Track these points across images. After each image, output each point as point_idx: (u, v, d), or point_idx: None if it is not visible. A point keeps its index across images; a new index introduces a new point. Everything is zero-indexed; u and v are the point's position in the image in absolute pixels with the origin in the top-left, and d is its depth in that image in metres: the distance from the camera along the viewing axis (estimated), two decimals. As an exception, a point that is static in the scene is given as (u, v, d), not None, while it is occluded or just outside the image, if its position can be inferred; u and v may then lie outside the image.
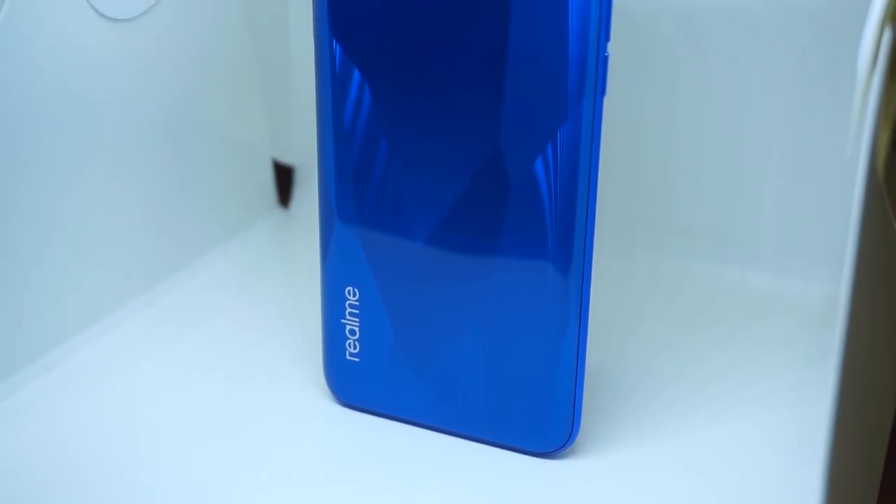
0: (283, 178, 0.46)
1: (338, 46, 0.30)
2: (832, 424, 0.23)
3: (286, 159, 0.46)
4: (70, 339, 0.36)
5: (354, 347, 0.33)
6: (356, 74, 0.30)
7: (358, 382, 0.33)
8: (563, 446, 0.32)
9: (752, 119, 0.39)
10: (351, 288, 0.32)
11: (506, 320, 0.31)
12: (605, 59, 0.28)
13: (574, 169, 0.29)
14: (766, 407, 0.34)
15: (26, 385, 0.34)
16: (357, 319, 0.32)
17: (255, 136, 0.43)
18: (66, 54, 0.33)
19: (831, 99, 0.38)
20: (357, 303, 0.32)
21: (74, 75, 0.34)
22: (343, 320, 0.33)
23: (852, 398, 0.25)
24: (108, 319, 0.37)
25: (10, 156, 0.32)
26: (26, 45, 0.32)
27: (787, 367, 0.36)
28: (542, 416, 0.31)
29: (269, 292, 0.40)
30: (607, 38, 0.28)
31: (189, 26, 0.38)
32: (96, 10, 0.34)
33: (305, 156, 0.46)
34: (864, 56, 0.23)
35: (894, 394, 0.31)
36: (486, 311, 0.31)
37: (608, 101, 0.29)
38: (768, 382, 0.35)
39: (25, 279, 0.34)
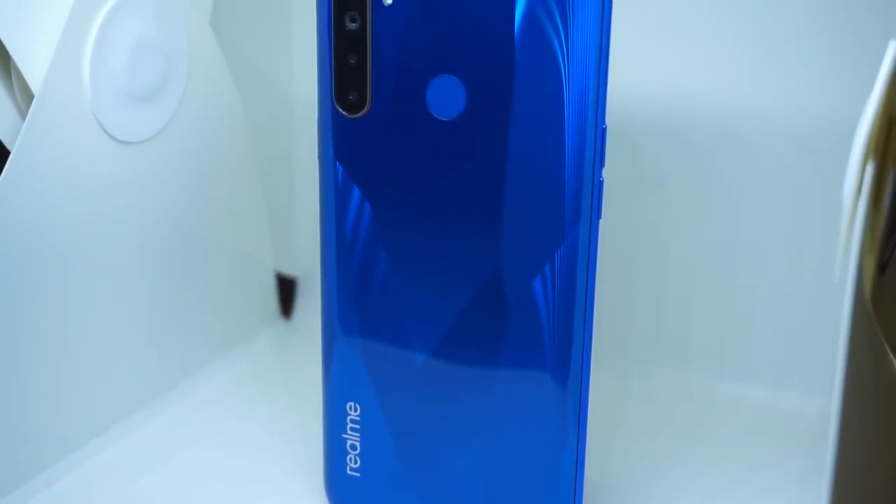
0: (286, 289, 0.47)
1: (340, 167, 0.31)
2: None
3: (289, 271, 0.47)
4: (72, 452, 0.36)
5: (355, 462, 0.33)
6: (357, 193, 0.31)
7: (359, 497, 0.33)
8: (563, 562, 0.32)
9: (745, 236, 0.40)
10: (352, 403, 0.32)
11: (506, 435, 0.31)
12: (601, 183, 0.29)
13: (571, 288, 0.30)
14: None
15: (28, 500, 0.34)
16: (358, 434, 0.33)
17: (258, 249, 0.44)
18: (78, 175, 0.34)
19: (822, 217, 0.39)
20: (358, 418, 0.33)
21: (85, 194, 0.34)
22: (344, 435, 0.33)
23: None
24: (110, 432, 0.37)
25: (18, 270, 0.33)
26: (41, 166, 0.33)
27: (784, 483, 0.36)
28: (541, 530, 0.31)
29: (270, 404, 0.40)
30: (602, 164, 0.29)
31: (197, 147, 0.39)
32: (108, 134, 0.35)
33: (307, 268, 0.46)
34: (849, 186, 0.24)
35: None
36: (486, 427, 0.31)
37: (605, 220, 0.30)
38: (765, 499, 0.35)
39: (28, 392, 0.34)
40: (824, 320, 0.39)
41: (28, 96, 0.33)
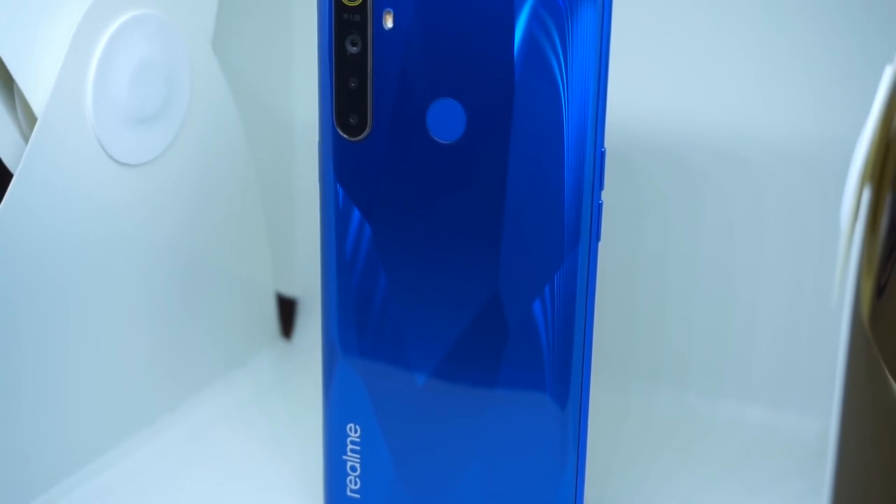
0: (286, 310, 0.47)
1: (341, 189, 0.31)
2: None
3: (289, 292, 0.47)
4: (73, 473, 0.36)
5: (355, 484, 0.33)
6: (357, 215, 0.31)
7: (359, 518, 0.33)
8: (562, 584, 0.32)
9: (744, 258, 0.40)
10: (352, 424, 0.33)
11: (505, 456, 0.31)
12: (600, 206, 0.29)
13: (570, 310, 0.30)
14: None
15: (29, 521, 0.34)
16: (358, 456, 0.33)
17: (258, 270, 0.44)
18: (80, 197, 0.34)
19: (821, 239, 0.39)
20: (358, 439, 0.33)
21: (87, 216, 0.35)
22: (344, 457, 0.33)
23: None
24: (111, 453, 0.37)
25: (21, 291, 0.33)
26: (43, 189, 0.33)
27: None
28: (541, 552, 0.31)
29: (270, 425, 0.40)
30: (601, 187, 0.29)
31: (198, 170, 0.39)
32: (110, 157, 0.35)
33: (308, 289, 0.47)
34: (846, 211, 0.24)
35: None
36: (485, 448, 0.31)
37: (604, 243, 0.30)
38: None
39: (30, 414, 0.34)
40: (823, 342, 0.39)
41: (31, 119, 0.33)
